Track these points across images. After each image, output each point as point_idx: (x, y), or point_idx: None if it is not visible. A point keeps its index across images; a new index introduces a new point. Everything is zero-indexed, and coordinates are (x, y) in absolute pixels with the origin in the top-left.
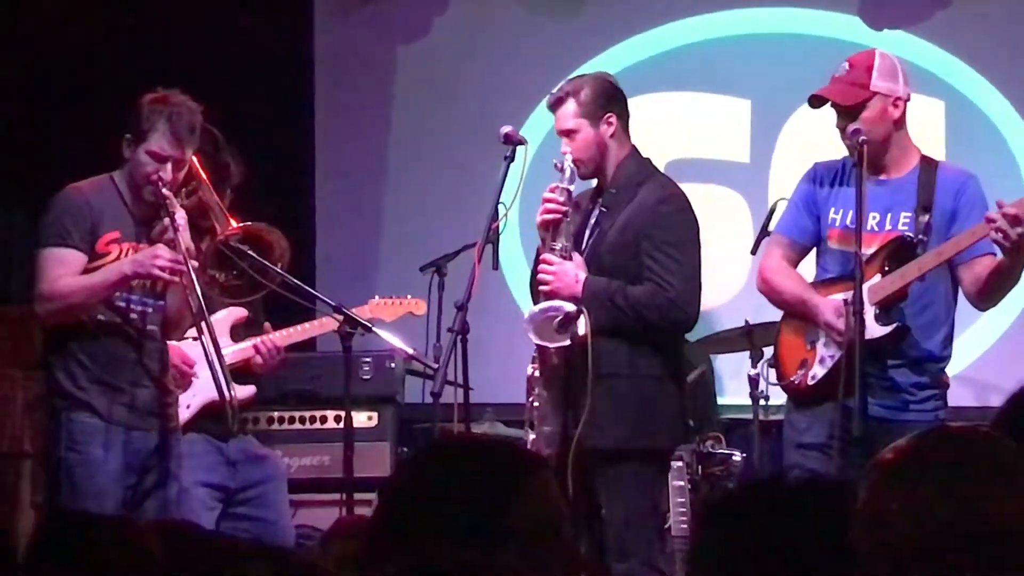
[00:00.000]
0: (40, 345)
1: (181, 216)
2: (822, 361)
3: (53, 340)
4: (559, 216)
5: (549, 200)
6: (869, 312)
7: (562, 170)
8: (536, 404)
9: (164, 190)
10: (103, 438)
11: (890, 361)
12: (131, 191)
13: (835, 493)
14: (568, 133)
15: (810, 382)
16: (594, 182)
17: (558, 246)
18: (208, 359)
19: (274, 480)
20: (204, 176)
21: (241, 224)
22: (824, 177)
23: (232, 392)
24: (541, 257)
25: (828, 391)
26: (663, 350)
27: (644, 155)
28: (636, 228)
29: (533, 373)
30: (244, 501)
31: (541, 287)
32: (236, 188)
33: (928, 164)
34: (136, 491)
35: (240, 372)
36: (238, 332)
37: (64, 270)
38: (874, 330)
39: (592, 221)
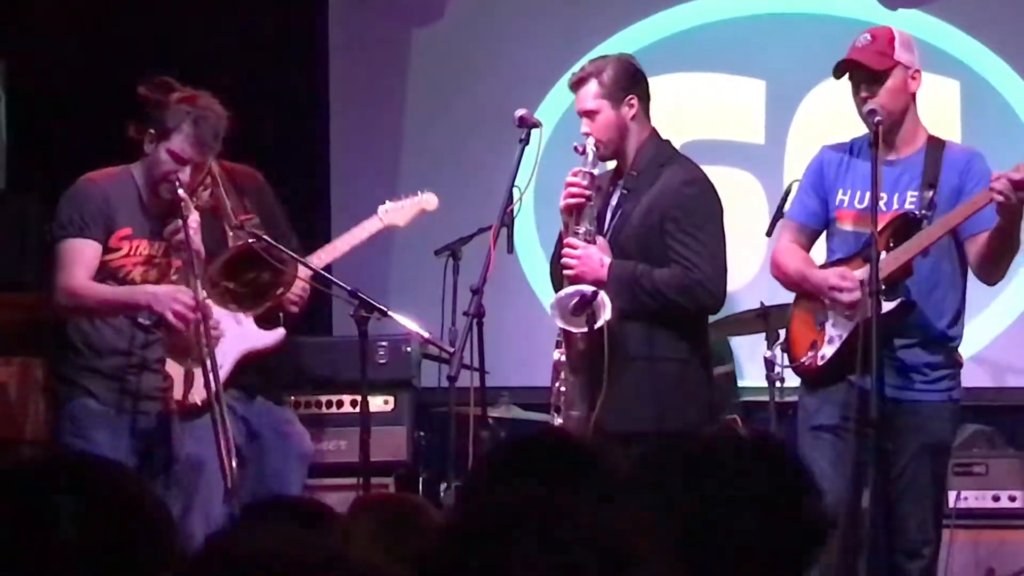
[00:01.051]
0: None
1: (194, 219)
2: (831, 341)
3: (53, 327)
4: (582, 200)
5: (572, 184)
6: None
7: (584, 153)
8: (563, 389)
9: (180, 191)
10: (105, 422)
11: (899, 340)
12: (148, 186)
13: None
14: (589, 113)
15: (820, 363)
16: (612, 164)
17: (581, 230)
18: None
19: (292, 460)
20: (218, 177)
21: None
22: (832, 159)
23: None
24: (565, 241)
25: (838, 371)
26: (689, 333)
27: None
28: (661, 210)
29: (560, 358)
30: (258, 477)
31: (566, 271)
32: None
33: (935, 144)
34: (139, 474)
35: (267, 316)
36: None
37: (82, 264)
38: (881, 306)
39: (613, 204)
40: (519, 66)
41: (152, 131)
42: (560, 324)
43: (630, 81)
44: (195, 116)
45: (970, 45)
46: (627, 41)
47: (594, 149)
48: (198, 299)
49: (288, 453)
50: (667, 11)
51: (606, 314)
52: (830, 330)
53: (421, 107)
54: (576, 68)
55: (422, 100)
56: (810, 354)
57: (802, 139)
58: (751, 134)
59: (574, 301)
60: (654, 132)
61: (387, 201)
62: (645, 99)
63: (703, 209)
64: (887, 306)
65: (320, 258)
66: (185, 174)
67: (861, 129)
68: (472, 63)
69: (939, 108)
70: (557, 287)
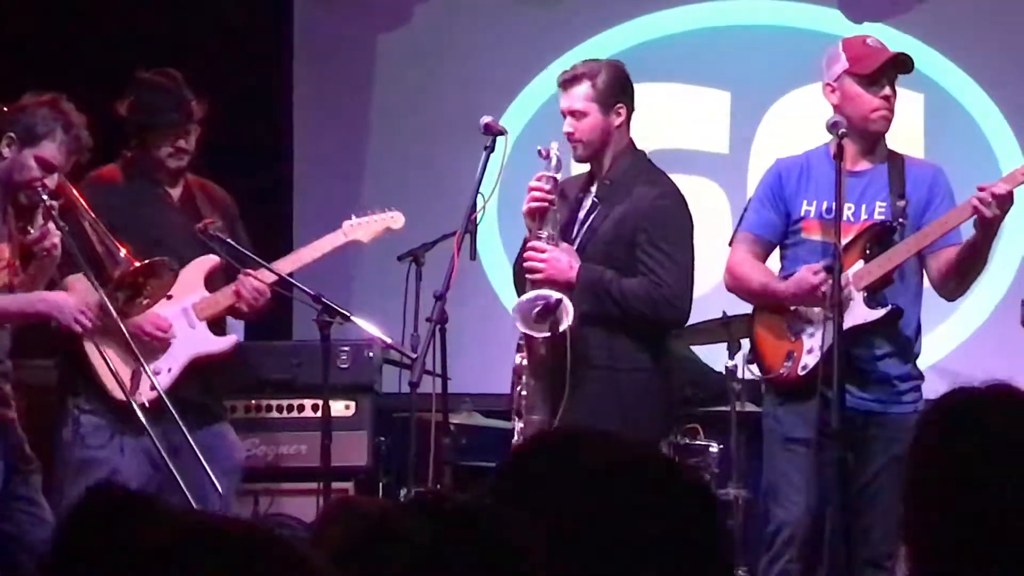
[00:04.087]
0: None
1: (51, 227)
2: (811, 351)
3: None
4: (545, 205)
5: (535, 188)
6: (857, 297)
7: (547, 157)
8: (524, 393)
9: (48, 200)
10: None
11: (879, 351)
12: (3, 190)
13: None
14: (576, 114)
15: (801, 372)
16: (581, 167)
17: (544, 234)
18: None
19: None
20: (85, 205)
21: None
22: (790, 172)
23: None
24: (530, 244)
25: (824, 379)
26: (650, 343)
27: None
28: (633, 222)
29: (521, 362)
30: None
31: (531, 275)
32: (201, 122)
33: (895, 156)
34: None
35: (219, 321)
36: (214, 281)
37: None
38: (867, 314)
39: (583, 212)
40: (485, 73)
41: (13, 135)
42: (522, 328)
43: (621, 89)
44: (66, 122)
45: (934, 59)
46: (594, 50)
47: (558, 154)
48: (107, 305)
49: (212, 467)
50: (634, 21)
51: (568, 319)
52: (809, 340)
53: (386, 112)
54: (567, 66)
55: (387, 105)
56: (787, 364)
57: (766, 149)
58: (715, 144)
59: (537, 308)
60: (631, 143)
61: (353, 216)
62: (631, 109)
63: (675, 224)
64: (875, 313)
65: (281, 267)
66: (52, 180)
67: (825, 140)
68: (438, 69)
69: (903, 122)
70: (520, 291)
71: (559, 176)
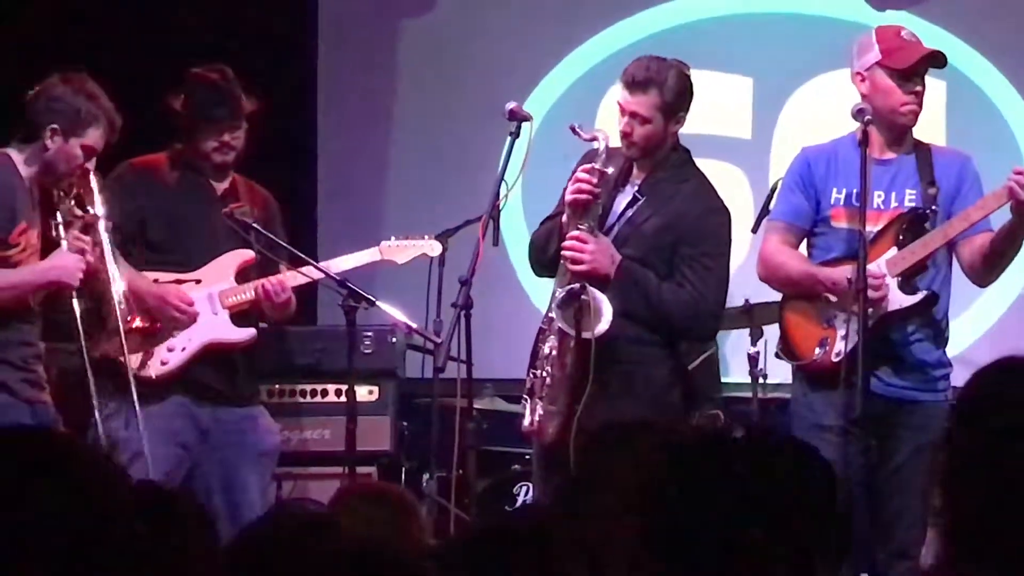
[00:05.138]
0: None
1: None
2: (845, 337)
3: None
4: (590, 199)
5: (582, 181)
6: (892, 283)
7: (593, 139)
8: (548, 382)
9: (93, 181)
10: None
11: (913, 336)
12: (47, 177)
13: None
14: (638, 117)
15: (835, 359)
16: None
17: (584, 226)
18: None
19: (247, 457)
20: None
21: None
22: (818, 160)
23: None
24: (571, 234)
25: (851, 366)
26: (677, 343)
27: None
28: (678, 234)
29: (551, 352)
30: (209, 476)
31: (574, 266)
32: (251, 119)
33: (920, 145)
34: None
35: (245, 315)
36: (248, 274)
37: None
38: (902, 300)
39: (622, 206)
40: (509, 58)
41: (57, 125)
42: (562, 326)
43: (686, 99)
44: (103, 108)
45: (957, 47)
46: (617, 36)
47: (606, 145)
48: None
49: (243, 451)
50: (658, 7)
51: (605, 323)
52: (843, 326)
53: (410, 99)
54: (590, 52)
55: (411, 92)
56: (819, 351)
57: (788, 135)
58: (738, 129)
59: (562, 295)
60: (678, 141)
61: (392, 237)
62: (687, 112)
63: (720, 239)
64: (912, 299)
65: (311, 272)
66: (91, 164)
67: (847, 127)
68: (462, 55)
69: (925, 109)
70: (540, 267)
71: (609, 171)
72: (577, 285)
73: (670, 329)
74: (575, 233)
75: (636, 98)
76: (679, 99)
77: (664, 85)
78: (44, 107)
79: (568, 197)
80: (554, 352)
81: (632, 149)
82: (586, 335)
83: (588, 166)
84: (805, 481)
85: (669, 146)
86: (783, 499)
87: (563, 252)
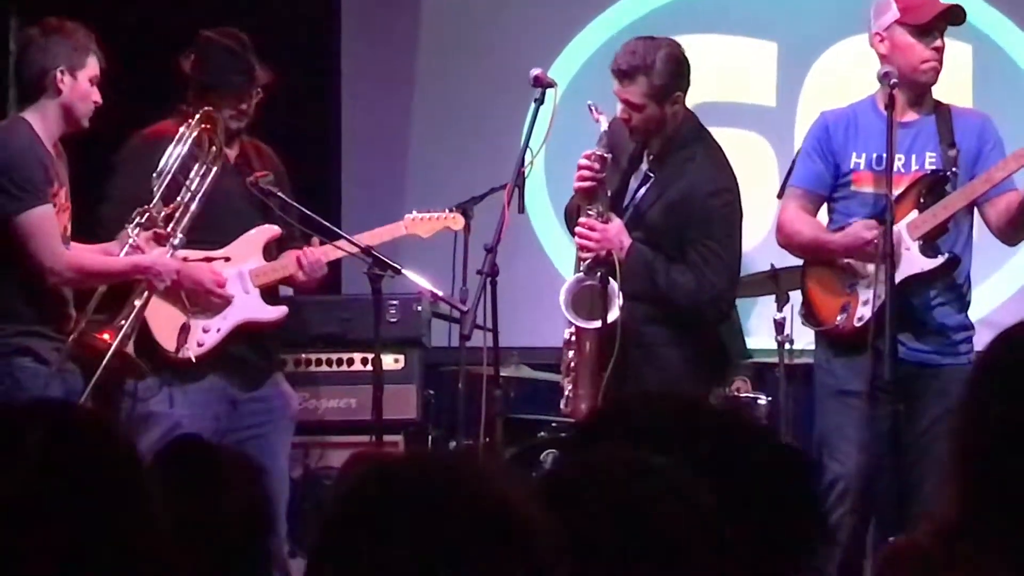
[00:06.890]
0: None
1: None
2: (867, 303)
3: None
4: (594, 185)
5: (584, 168)
6: (913, 247)
7: (598, 118)
8: (573, 365)
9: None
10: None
11: (934, 300)
12: (70, 124)
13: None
14: (632, 105)
15: (857, 324)
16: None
17: (593, 211)
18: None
19: (276, 423)
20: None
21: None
22: (837, 124)
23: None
24: (580, 221)
25: (877, 331)
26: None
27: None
28: (684, 215)
29: (570, 338)
30: (239, 443)
31: (583, 252)
32: (265, 88)
33: (940, 106)
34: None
35: (274, 292)
36: (271, 250)
37: (57, 234)
38: (923, 263)
39: (635, 185)
40: (533, 25)
41: (60, 70)
42: (571, 318)
43: (678, 78)
44: (87, 34)
45: (983, 10)
46: (640, 1)
47: (607, 129)
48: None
49: (271, 417)
50: None
51: (616, 310)
52: (865, 292)
53: (434, 66)
54: (613, 18)
55: (435, 59)
56: (842, 316)
57: (814, 101)
58: (762, 96)
59: (587, 261)
60: (687, 114)
61: (415, 211)
62: (687, 89)
63: (728, 221)
64: (933, 262)
65: (345, 247)
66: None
67: (872, 91)
68: (485, 22)
69: (951, 73)
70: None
71: (609, 156)
72: (583, 274)
73: (679, 311)
74: (583, 220)
75: (626, 88)
76: (671, 81)
77: (652, 70)
78: (39, 56)
79: (574, 184)
80: (573, 338)
81: (635, 134)
82: (592, 325)
83: (589, 152)
84: (780, 475)
85: (675, 124)
86: (758, 493)
87: (575, 240)
